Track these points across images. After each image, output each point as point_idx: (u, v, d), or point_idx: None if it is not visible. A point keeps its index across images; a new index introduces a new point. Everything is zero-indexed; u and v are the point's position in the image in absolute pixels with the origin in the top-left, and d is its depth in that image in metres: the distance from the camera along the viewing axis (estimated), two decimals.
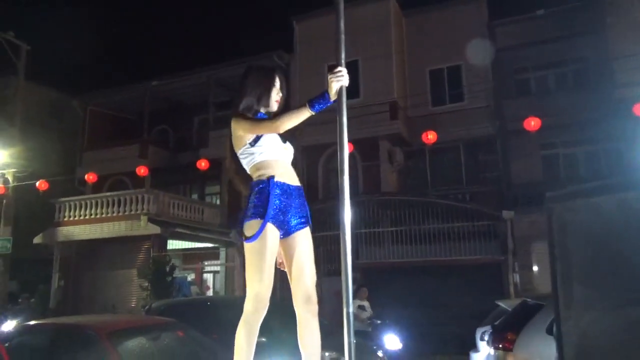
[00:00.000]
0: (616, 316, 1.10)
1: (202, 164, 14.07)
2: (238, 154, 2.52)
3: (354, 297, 8.77)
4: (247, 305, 2.36)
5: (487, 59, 14.41)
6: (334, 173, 14.56)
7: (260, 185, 2.41)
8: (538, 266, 11.69)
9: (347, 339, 2.13)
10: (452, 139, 14.09)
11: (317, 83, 15.64)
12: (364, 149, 14.37)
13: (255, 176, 2.47)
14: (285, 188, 2.44)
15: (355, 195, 13.74)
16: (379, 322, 8.49)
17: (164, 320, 5.45)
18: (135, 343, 4.62)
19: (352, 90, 14.92)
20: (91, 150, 18.58)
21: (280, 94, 2.60)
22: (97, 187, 16.91)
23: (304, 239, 2.47)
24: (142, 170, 13.99)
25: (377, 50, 15.12)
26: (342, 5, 2.27)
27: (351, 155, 13.59)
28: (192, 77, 17.42)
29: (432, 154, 14.70)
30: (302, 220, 2.48)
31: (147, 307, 7.16)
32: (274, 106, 2.58)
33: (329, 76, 2.27)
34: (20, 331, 5.01)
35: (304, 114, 2.32)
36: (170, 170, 17.56)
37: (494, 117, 14.25)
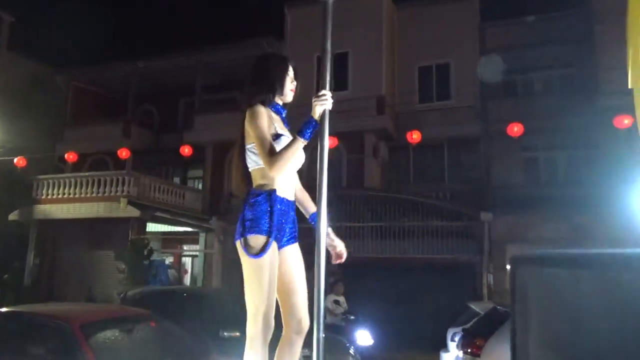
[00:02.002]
0: None
1: (186, 150, 13.94)
2: (247, 147, 2.42)
3: (330, 292, 8.88)
4: (251, 327, 2.26)
5: (475, 59, 14.50)
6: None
7: (259, 198, 2.34)
8: None
9: (317, 334, 2.09)
10: (436, 137, 14.18)
11: (307, 72, 15.56)
12: (349, 142, 14.39)
13: (256, 183, 2.38)
14: (285, 204, 2.39)
15: (339, 188, 13.80)
16: (352, 317, 8.62)
17: (138, 312, 5.44)
18: (108, 335, 4.60)
19: (341, 82, 15.07)
20: (73, 127, 18.28)
21: (295, 83, 2.54)
22: (77, 165, 16.64)
23: (294, 254, 2.44)
24: (124, 153, 13.81)
25: (367, 44, 15.09)
26: (329, 25, 2.26)
27: (336, 148, 13.61)
28: (180, 59, 17.16)
29: (416, 150, 14.78)
30: (293, 236, 2.45)
31: (122, 294, 7.15)
32: (289, 96, 2.53)
33: (314, 100, 2.26)
34: None
35: (297, 145, 2.29)
36: (153, 151, 17.39)
37: (479, 117, 14.39)
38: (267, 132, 2.34)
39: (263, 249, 2.25)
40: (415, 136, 11.55)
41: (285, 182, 2.41)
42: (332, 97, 2.25)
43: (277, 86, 2.48)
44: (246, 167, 2.43)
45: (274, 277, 2.28)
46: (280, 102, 2.52)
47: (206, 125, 16.07)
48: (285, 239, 2.39)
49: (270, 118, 2.41)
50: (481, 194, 13.74)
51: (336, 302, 8.73)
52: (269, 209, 2.30)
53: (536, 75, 15.06)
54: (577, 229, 10.74)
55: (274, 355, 2.38)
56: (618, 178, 10.79)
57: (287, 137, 2.40)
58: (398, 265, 12.40)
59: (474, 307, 7.79)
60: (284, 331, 2.36)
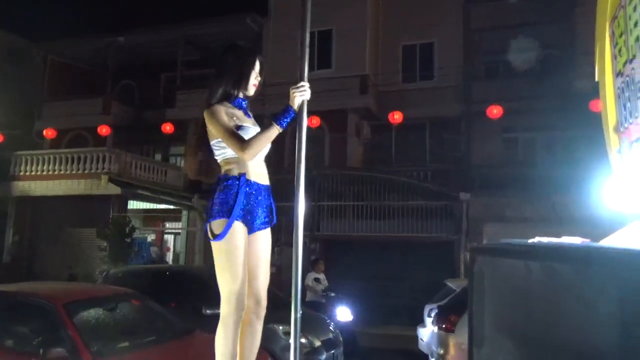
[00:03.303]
0: None
1: (167, 128, 13.82)
2: (211, 145, 2.44)
3: (311, 270, 9.06)
4: (224, 307, 2.30)
5: (459, 39, 14.54)
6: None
7: (228, 182, 2.37)
8: None
9: (294, 314, 2.17)
10: (419, 116, 14.29)
11: (291, 50, 15.46)
12: (332, 121, 14.43)
13: (224, 169, 2.42)
14: (255, 188, 2.41)
15: (321, 167, 13.89)
16: (332, 294, 8.83)
17: (121, 290, 5.51)
18: (91, 314, 4.67)
19: (324, 60, 15.01)
20: (51, 102, 17.89)
21: (259, 78, 2.53)
22: (56, 141, 16.40)
23: (263, 239, 2.48)
24: (104, 130, 13.64)
25: (351, 21, 14.98)
26: (308, 16, 2.30)
27: (319, 127, 13.64)
28: (161, 34, 16.83)
29: (399, 130, 14.89)
30: (266, 221, 2.48)
31: (104, 273, 7.19)
32: (252, 91, 2.53)
33: (292, 90, 2.30)
34: None
35: (273, 133, 2.33)
36: (134, 128, 17.15)
37: (461, 98, 14.51)
38: (229, 124, 2.38)
39: (221, 233, 2.30)
40: (397, 117, 11.65)
41: (256, 166, 2.44)
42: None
43: (242, 80, 2.49)
44: (211, 157, 2.48)
45: (243, 258, 2.32)
46: (242, 95, 2.54)
47: (188, 102, 15.89)
48: (258, 222, 2.43)
49: (228, 114, 2.42)
50: (461, 173, 13.97)
51: (317, 279, 8.92)
52: (235, 193, 2.34)
53: (517, 57, 15.16)
54: (555, 208, 11.03)
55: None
56: (595, 159, 11.07)
57: (249, 127, 2.43)
58: (378, 243, 12.64)
59: (450, 284, 8.03)
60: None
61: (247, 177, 2.39)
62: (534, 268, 1.27)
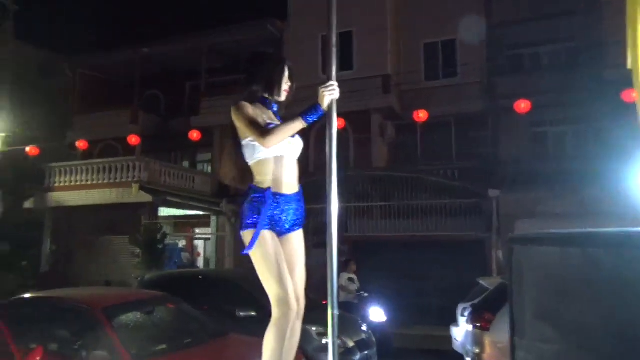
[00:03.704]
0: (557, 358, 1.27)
1: (194, 135, 14.05)
2: (242, 143, 2.49)
3: (344, 270, 9.05)
4: (274, 311, 2.36)
5: (482, 34, 14.35)
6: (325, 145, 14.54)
7: (257, 195, 2.43)
8: None
9: (331, 311, 2.19)
10: (443, 114, 14.15)
11: (311, 54, 15.56)
12: (355, 122, 14.39)
13: (256, 178, 2.47)
14: (282, 199, 2.46)
15: (346, 169, 13.89)
16: (366, 294, 8.81)
17: (156, 294, 5.63)
18: (129, 317, 4.79)
19: (346, 62, 15.01)
20: (82, 114, 18.42)
21: (289, 83, 2.58)
22: (88, 152, 16.87)
23: (296, 241, 2.54)
24: (133, 140, 13.95)
25: (372, 22, 14.96)
26: (334, 18, 2.33)
27: (343, 129, 13.64)
28: (184, 43, 17.16)
29: (424, 128, 14.77)
30: (298, 223, 2.54)
31: (139, 278, 7.36)
32: (283, 96, 2.58)
33: (321, 89, 2.33)
34: (16, 304, 5.16)
35: (297, 125, 2.36)
36: (161, 136, 17.49)
37: (486, 93, 14.30)
38: (254, 115, 2.42)
39: (250, 243, 2.37)
40: (421, 115, 11.55)
41: (287, 175, 2.48)
42: (337, 79, 2.32)
43: (273, 87, 2.54)
44: (244, 161, 2.50)
45: (281, 262, 2.37)
46: (273, 101, 2.59)
47: (213, 109, 16.13)
48: (287, 226, 2.49)
49: (257, 110, 2.47)
50: (490, 170, 13.75)
51: (350, 279, 8.93)
52: (261, 206, 2.39)
53: (543, 50, 14.87)
54: (586, 203, 10.75)
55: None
56: (626, 152, 10.74)
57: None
58: (407, 243, 12.54)
59: (483, 282, 7.92)
60: None
61: (277, 189, 2.44)
62: (571, 255, 1.26)
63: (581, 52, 13.97)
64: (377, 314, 8.47)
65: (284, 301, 2.34)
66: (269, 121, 2.44)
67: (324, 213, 2.31)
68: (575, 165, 12.14)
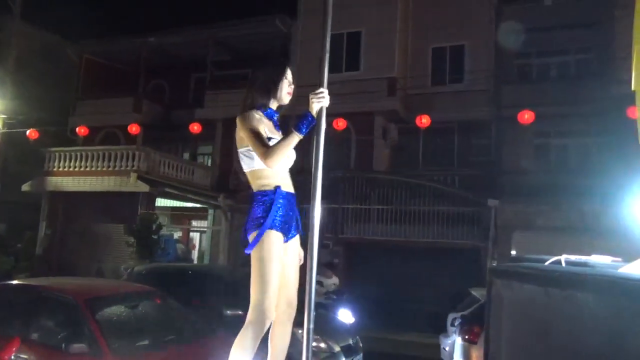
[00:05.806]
0: None
1: (195, 128, 14.00)
2: (239, 152, 2.50)
3: (319, 274, 9.17)
4: (250, 314, 2.33)
5: (490, 42, 14.24)
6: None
7: (265, 197, 2.41)
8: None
9: (307, 325, 2.13)
10: (447, 120, 14.07)
11: (319, 53, 15.41)
12: (358, 123, 14.33)
13: (256, 185, 2.46)
14: (288, 198, 2.47)
15: (347, 170, 13.83)
16: (334, 297, 8.96)
17: (144, 288, 5.56)
18: (113, 310, 4.73)
19: (353, 62, 14.92)
20: (85, 100, 18.38)
21: (292, 86, 2.60)
22: (89, 138, 16.82)
23: (295, 247, 2.56)
24: (134, 129, 13.91)
25: (381, 23, 14.85)
26: (329, 23, 2.26)
27: (345, 129, 13.56)
28: (192, 34, 17.09)
29: (426, 133, 14.67)
30: (298, 227, 2.56)
31: (129, 270, 7.31)
32: (286, 99, 2.59)
33: (311, 96, 2.30)
34: (0, 290, 5.12)
35: (293, 139, 2.35)
36: (163, 126, 17.46)
37: (492, 101, 14.20)
38: (260, 129, 2.43)
39: (253, 242, 2.35)
40: (424, 120, 11.48)
41: (285, 176, 2.50)
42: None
43: (274, 90, 2.54)
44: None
45: (276, 269, 2.34)
46: (275, 106, 2.59)
47: (217, 102, 16.07)
48: (292, 232, 2.49)
49: (259, 121, 2.47)
50: (490, 179, 13.66)
51: (319, 282, 9.09)
52: (272, 204, 2.38)
53: (551, 60, 14.77)
54: (586, 218, 10.67)
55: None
56: (630, 168, 10.64)
57: (276, 139, 2.47)
58: (403, 248, 12.47)
59: (475, 293, 7.83)
60: (275, 315, 2.43)
61: (286, 189, 2.45)
62: (554, 295, 1.19)
63: (590, 65, 13.87)
64: (345, 315, 8.58)
65: (262, 309, 2.29)
66: (269, 134, 2.44)
67: (307, 215, 2.25)
68: (576, 179, 12.04)
